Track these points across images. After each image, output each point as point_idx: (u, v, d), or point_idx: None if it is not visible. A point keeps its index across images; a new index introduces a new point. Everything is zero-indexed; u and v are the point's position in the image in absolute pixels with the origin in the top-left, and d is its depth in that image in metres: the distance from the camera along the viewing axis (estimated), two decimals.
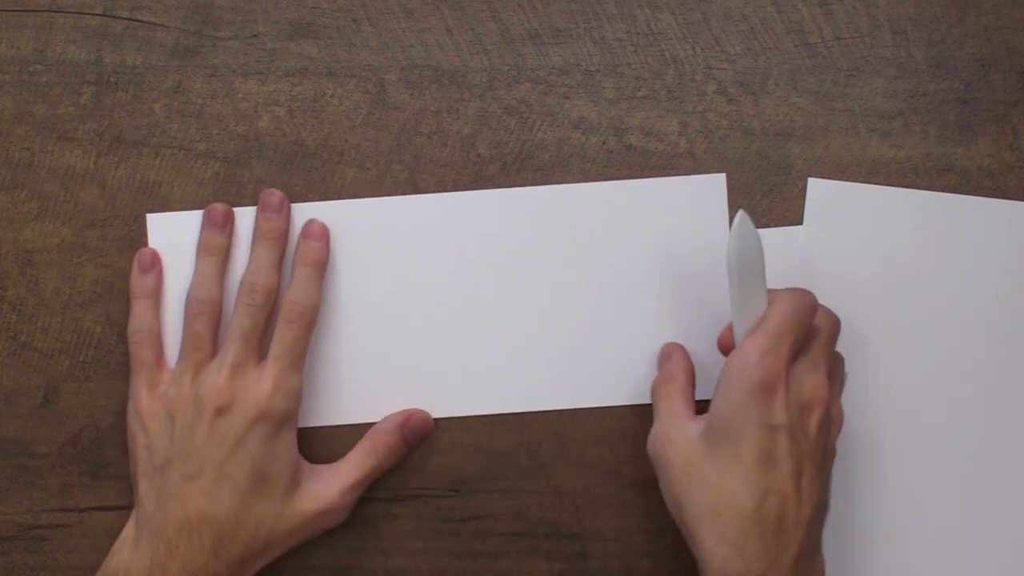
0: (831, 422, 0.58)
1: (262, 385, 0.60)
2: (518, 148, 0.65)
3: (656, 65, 0.65)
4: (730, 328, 0.59)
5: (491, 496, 0.66)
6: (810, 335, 0.58)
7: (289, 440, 0.61)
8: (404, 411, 0.64)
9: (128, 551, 0.61)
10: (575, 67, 0.65)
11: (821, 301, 0.65)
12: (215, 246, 0.64)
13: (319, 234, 0.63)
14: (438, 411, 0.64)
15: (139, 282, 0.64)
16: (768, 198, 0.65)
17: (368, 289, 0.64)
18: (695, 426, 0.58)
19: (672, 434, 0.58)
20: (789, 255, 0.64)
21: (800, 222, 0.65)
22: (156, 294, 0.64)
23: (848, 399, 0.64)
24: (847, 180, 0.65)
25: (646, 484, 0.65)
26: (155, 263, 0.64)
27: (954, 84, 0.65)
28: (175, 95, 0.66)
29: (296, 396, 0.61)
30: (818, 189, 0.65)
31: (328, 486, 0.62)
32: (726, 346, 0.59)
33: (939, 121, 0.65)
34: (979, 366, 0.64)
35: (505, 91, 0.65)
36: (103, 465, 0.65)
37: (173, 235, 0.65)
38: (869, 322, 0.64)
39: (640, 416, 0.64)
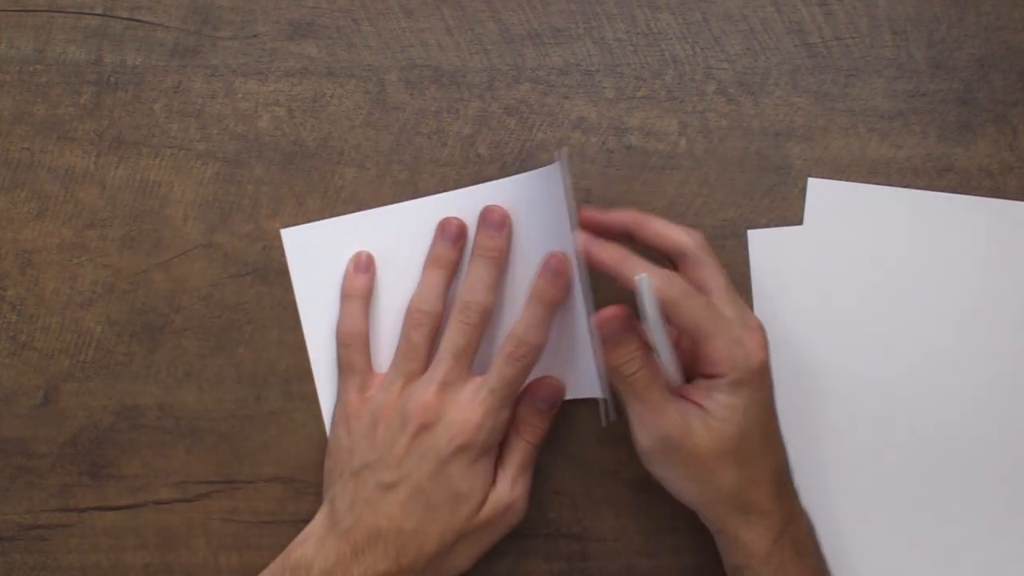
0: None
1: (472, 414, 0.60)
2: (518, 148, 0.65)
3: (656, 65, 0.65)
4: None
5: None
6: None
7: (488, 465, 0.61)
8: (529, 384, 0.63)
9: (314, 545, 0.61)
10: (575, 67, 0.65)
11: (821, 301, 0.65)
12: (446, 259, 0.63)
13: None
14: None
15: (353, 282, 0.64)
16: (768, 198, 0.65)
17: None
18: (694, 410, 0.58)
19: (685, 424, 0.58)
20: (789, 255, 0.64)
21: (800, 222, 0.65)
22: (368, 296, 0.64)
23: (848, 398, 0.64)
24: (847, 180, 0.65)
25: (646, 484, 0.65)
26: (370, 265, 0.64)
27: (954, 84, 0.65)
28: (175, 95, 0.66)
29: (503, 429, 0.61)
30: (818, 189, 0.65)
31: (497, 486, 0.62)
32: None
33: (939, 121, 0.65)
34: (979, 365, 0.64)
35: (505, 91, 0.65)
36: (103, 465, 0.65)
37: (309, 247, 0.65)
38: (868, 322, 0.64)
39: None
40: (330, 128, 0.66)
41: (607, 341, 0.58)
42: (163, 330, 0.65)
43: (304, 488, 0.66)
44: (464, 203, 0.64)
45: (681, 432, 0.57)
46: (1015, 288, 0.64)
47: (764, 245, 0.65)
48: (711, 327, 0.57)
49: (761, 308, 0.65)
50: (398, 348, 0.63)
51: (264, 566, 0.65)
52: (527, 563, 0.65)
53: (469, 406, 0.60)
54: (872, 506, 0.64)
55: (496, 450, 0.62)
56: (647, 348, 0.58)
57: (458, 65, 0.65)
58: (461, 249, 0.63)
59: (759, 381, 0.58)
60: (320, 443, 0.65)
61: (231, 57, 0.66)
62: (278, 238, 0.65)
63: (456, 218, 0.63)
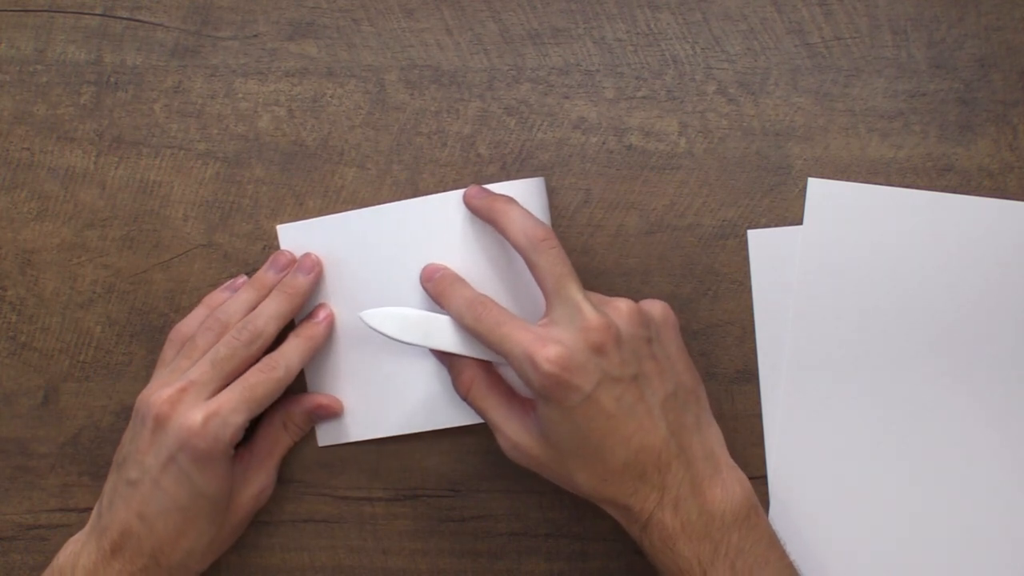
0: (635, 320, 0.58)
1: (197, 415, 0.59)
2: (518, 148, 0.65)
3: (656, 65, 0.65)
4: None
5: (491, 496, 0.66)
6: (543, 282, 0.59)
7: (223, 464, 0.60)
8: (320, 400, 0.64)
9: (79, 544, 0.61)
10: (575, 67, 0.65)
11: (821, 301, 0.65)
12: (262, 283, 0.64)
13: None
14: (439, 422, 0.64)
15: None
16: (768, 198, 0.65)
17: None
18: (533, 419, 0.59)
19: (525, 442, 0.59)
20: (789, 255, 0.64)
21: (800, 222, 0.65)
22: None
23: (848, 398, 0.64)
24: (847, 180, 0.65)
25: None
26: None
27: (954, 84, 0.65)
28: (175, 95, 0.66)
29: (237, 431, 0.60)
30: (818, 189, 0.65)
31: (256, 471, 0.64)
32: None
33: (939, 121, 0.65)
34: (979, 365, 0.64)
35: (505, 91, 0.65)
36: (103, 465, 0.65)
37: (304, 244, 0.64)
38: (868, 322, 0.64)
39: None
40: (330, 128, 0.66)
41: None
42: (163, 330, 0.65)
43: (304, 488, 0.66)
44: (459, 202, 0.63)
45: (524, 444, 0.59)
46: (1015, 288, 0.64)
47: (764, 245, 0.65)
48: (504, 347, 0.57)
49: (761, 308, 0.65)
50: (183, 346, 0.63)
51: (264, 566, 0.65)
52: (527, 563, 0.65)
53: (199, 409, 0.59)
54: (870, 506, 0.64)
55: (232, 449, 0.61)
56: (479, 367, 0.61)
57: (458, 65, 0.65)
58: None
59: (560, 394, 0.56)
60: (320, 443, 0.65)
61: (231, 57, 0.66)
62: (278, 238, 0.65)
63: (288, 253, 0.64)
